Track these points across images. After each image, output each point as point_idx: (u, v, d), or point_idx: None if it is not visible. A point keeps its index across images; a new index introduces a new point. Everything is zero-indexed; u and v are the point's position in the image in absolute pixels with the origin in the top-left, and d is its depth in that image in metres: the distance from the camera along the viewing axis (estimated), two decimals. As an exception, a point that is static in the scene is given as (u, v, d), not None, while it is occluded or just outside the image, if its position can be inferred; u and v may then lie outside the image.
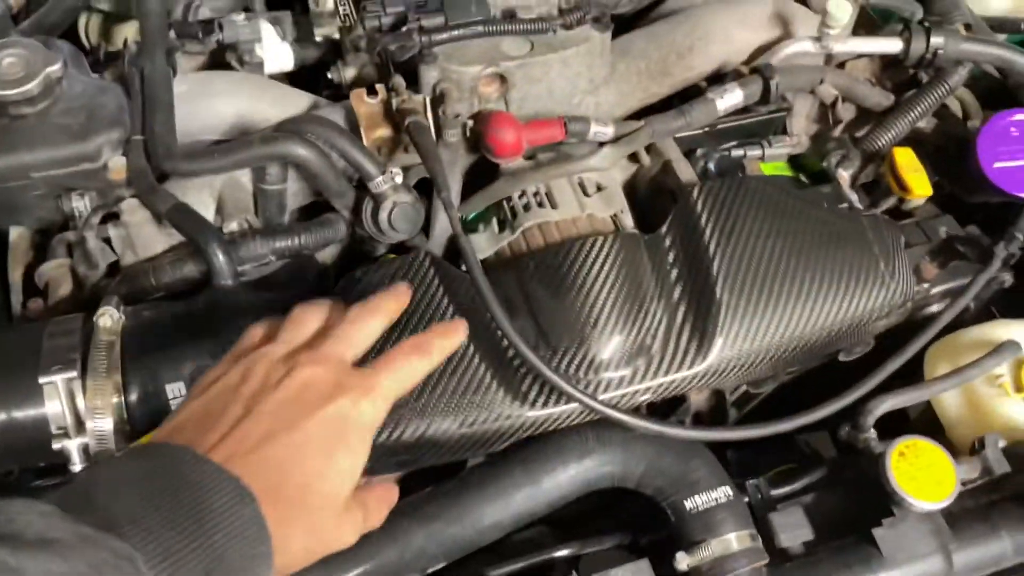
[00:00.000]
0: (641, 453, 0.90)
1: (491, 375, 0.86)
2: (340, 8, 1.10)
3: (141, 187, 0.89)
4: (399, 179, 0.90)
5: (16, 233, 1.00)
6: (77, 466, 0.80)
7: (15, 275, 0.99)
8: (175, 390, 0.83)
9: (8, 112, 0.89)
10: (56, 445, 0.79)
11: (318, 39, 1.14)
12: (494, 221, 0.98)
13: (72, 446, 0.80)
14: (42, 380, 0.79)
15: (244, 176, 0.96)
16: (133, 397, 0.82)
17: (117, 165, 0.90)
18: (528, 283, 0.91)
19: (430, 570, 0.90)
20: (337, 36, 1.13)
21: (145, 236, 0.92)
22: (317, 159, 0.90)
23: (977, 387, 0.96)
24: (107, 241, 0.95)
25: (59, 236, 0.96)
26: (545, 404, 0.86)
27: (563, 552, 0.94)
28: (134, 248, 0.93)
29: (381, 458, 0.85)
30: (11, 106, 0.89)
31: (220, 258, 0.86)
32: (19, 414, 0.80)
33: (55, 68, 0.89)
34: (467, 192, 1.02)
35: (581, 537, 0.98)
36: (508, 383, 0.86)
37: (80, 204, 0.95)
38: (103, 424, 0.80)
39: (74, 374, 0.79)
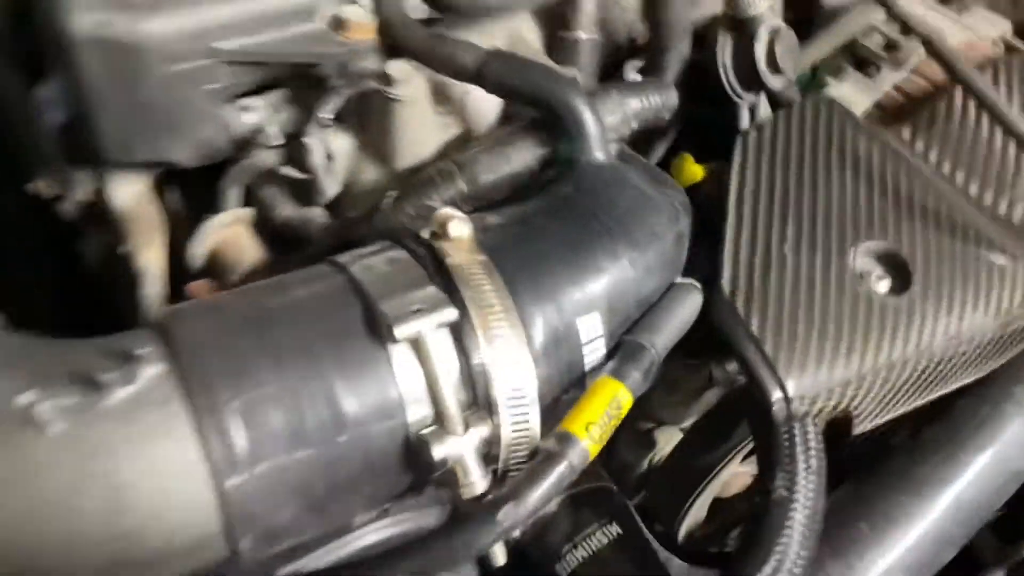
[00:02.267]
0: None
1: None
2: None
3: (411, 40, 0.55)
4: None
5: (130, 193, 0.62)
6: (475, 485, 0.43)
7: (146, 257, 0.60)
8: (589, 328, 0.48)
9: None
10: (438, 453, 0.42)
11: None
12: (848, 69, 0.71)
13: (464, 445, 0.43)
14: (399, 334, 0.42)
15: (527, 26, 0.63)
16: (537, 344, 0.46)
17: (354, 16, 0.55)
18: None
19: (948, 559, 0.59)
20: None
21: (419, 123, 0.56)
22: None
23: None
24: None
25: (239, 166, 0.59)
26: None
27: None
28: (392, 150, 0.57)
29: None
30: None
31: (590, 121, 0.52)
32: (356, 407, 0.42)
33: None
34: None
35: None
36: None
37: (257, 117, 0.58)
38: (520, 392, 0.44)
39: (452, 314, 0.43)
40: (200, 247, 0.59)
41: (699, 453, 0.62)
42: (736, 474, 0.64)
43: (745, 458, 0.63)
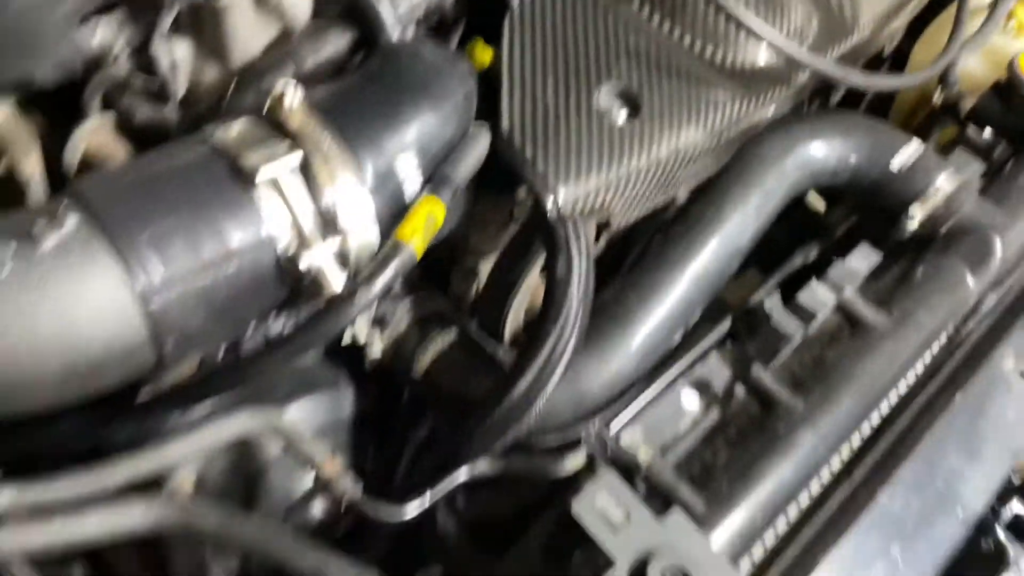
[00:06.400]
0: (843, 131, 0.87)
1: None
2: None
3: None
4: None
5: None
6: (335, 285, 0.58)
7: (28, 167, 0.70)
8: (406, 166, 0.63)
9: None
10: (303, 264, 0.57)
11: None
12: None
13: (321, 256, 0.58)
14: (259, 178, 0.56)
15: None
16: (368, 181, 0.61)
17: (179, -57, 0.66)
18: None
19: (698, 314, 0.80)
20: None
21: (245, 25, 0.69)
22: None
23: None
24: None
25: (97, 78, 0.69)
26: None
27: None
28: (226, 51, 0.69)
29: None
30: None
31: (387, 10, 0.67)
32: (238, 238, 0.56)
33: None
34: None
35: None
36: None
37: (105, 34, 0.69)
38: (360, 214, 0.59)
39: (297, 158, 0.57)
40: (74, 153, 0.69)
41: (506, 271, 0.80)
42: (540, 283, 0.82)
43: (543, 271, 0.81)
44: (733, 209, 0.82)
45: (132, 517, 0.58)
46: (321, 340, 0.58)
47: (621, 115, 0.73)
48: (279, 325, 0.70)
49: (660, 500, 0.64)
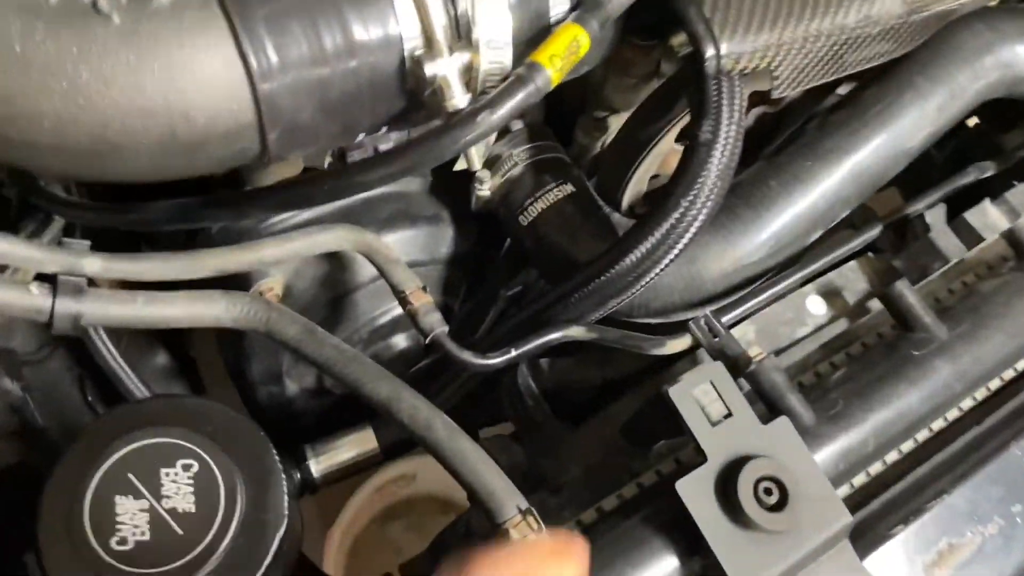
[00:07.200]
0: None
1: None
2: None
3: None
4: None
5: None
6: (458, 100, 0.52)
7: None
8: None
9: None
10: (429, 70, 0.51)
11: None
12: None
13: (448, 68, 0.52)
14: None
15: None
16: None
17: None
18: None
19: (842, 215, 0.72)
20: None
21: None
22: None
23: None
24: None
25: None
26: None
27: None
28: None
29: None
30: None
31: None
32: (362, 31, 0.50)
33: None
34: None
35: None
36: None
37: None
38: (496, 28, 0.53)
39: (440, -49, 0.51)
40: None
41: (641, 127, 0.72)
42: (673, 150, 0.74)
43: (680, 137, 0.73)
44: (911, 102, 0.71)
45: (214, 309, 0.56)
46: (434, 160, 0.53)
47: (811, -34, 0.63)
48: (389, 143, 0.66)
49: (764, 405, 0.59)
